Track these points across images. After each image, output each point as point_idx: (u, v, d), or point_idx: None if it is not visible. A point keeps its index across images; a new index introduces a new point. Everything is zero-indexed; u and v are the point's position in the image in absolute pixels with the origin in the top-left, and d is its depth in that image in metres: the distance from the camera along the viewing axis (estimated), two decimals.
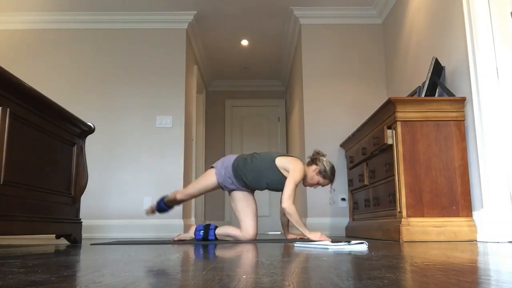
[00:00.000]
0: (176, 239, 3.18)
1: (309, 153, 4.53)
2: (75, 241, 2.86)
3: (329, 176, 3.12)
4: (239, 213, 3.16)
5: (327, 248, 1.87)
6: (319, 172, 3.11)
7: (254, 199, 3.24)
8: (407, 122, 2.88)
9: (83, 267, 1.21)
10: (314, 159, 3.17)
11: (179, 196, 3.30)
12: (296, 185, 3.00)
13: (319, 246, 2.01)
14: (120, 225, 4.42)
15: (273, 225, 6.87)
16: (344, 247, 1.90)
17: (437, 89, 3.16)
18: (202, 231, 3.09)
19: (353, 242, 1.96)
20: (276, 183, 3.10)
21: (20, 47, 4.82)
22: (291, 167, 3.03)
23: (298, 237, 3.26)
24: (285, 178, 3.04)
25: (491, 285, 0.79)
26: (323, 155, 3.18)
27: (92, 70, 4.79)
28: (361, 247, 1.90)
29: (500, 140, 2.65)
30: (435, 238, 2.69)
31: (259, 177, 3.10)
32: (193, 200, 5.26)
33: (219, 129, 7.21)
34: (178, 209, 4.52)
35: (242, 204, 3.17)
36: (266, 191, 6.26)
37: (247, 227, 3.08)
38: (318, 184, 3.15)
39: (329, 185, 3.22)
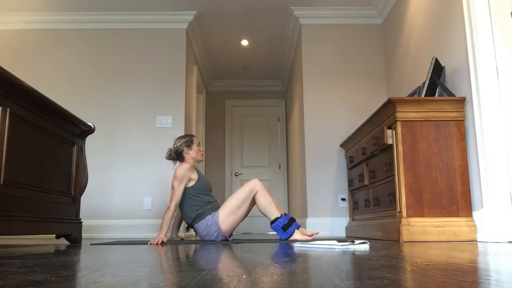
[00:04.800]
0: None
1: (309, 152, 4.55)
2: (75, 241, 2.86)
3: (184, 142, 3.28)
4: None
5: (335, 249, 1.90)
6: (186, 150, 3.27)
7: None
8: (407, 122, 2.88)
9: (83, 267, 1.21)
10: (178, 155, 3.30)
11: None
12: (183, 179, 3.11)
13: (325, 246, 2.02)
14: (120, 225, 4.42)
15: None
16: (349, 246, 1.94)
17: (437, 89, 3.16)
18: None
19: (356, 242, 1.99)
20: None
21: (20, 47, 4.82)
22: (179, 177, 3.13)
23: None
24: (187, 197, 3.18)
25: (491, 285, 0.78)
26: (171, 148, 3.32)
27: (92, 70, 4.79)
28: (363, 247, 1.94)
29: (500, 140, 2.65)
30: (435, 238, 2.69)
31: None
32: None
33: (219, 129, 7.21)
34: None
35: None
36: None
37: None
38: (198, 152, 3.31)
39: (197, 144, 3.35)
